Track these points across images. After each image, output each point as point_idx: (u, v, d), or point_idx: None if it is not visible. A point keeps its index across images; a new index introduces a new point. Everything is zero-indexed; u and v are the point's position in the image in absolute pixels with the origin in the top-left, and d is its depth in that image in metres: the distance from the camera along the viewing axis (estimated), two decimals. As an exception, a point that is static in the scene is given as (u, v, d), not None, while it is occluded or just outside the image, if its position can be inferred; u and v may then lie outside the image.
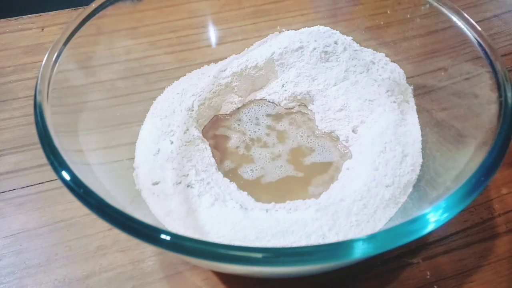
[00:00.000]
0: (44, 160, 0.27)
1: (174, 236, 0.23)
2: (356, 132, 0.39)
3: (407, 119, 0.39)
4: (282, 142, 0.40)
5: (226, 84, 0.42)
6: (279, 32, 0.47)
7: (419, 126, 0.38)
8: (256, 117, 0.42)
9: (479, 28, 0.34)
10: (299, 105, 0.43)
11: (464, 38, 0.35)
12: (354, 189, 0.33)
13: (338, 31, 0.44)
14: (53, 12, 0.55)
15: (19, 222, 0.36)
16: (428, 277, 0.33)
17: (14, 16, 0.54)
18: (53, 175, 0.28)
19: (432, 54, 0.41)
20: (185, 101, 0.40)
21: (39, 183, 0.39)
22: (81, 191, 0.25)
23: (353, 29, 0.46)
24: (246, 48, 0.46)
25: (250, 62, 0.43)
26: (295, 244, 0.30)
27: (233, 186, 0.35)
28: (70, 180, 0.25)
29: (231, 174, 0.37)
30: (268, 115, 0.43)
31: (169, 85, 0.43)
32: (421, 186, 0.34)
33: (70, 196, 0.25)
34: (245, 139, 0.40)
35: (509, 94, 0.29)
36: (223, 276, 0.33)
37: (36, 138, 0.28)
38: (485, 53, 0.32)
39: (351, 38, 0.44)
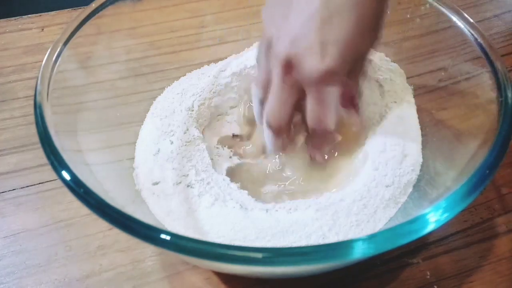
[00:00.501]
0: (44, 160, 0.27)
1: (174, 236, 0.23)
2: (356, 132, 0.39)
3: (407, 119, 0.39)
4: (282, 142, 0.40)
5: (226, 84, 0.42)
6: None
7: (419, 126, 0.38)
8: (256, 117, 0.42)
9: (479, 28, 0.34)
10: (298, 105, 0.43)
11: (464, 38, 0.35)
12: (354, 189, 0.33)
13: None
14: (53, 12, 0.55)
15: (19, 222, 0.36)
16: (428, 277, 0.33)
17: (14, 16, 0.54)
18: (53, 175, 0.28)
19: (432, 54, 0.41)
20: (185, 101, 0.40)
21: (39, 183, 0.39)
22: (81, 191, 0.25)
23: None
24: (246, 48, 0.46)
25: (250, 62, 0.43)
26: (295, 244, 0.30)
27: (233, 186, 0.35)
28: (70, 180, 0.25)
29: (231, 174, 0.37)
30: (268, 115, 0.42)
31: (169, 85, 0.43)
32: (421, 186, 0.34)
33: (70, 196, 0.25)
34: (245, 139, 0.40)
35: (509, 94, 0.29)
36: (223, 276, 0.33)
37: (36, 138, 0.28)
38: (485, 53, 0.32)
39: (351, 38, 0.44)
